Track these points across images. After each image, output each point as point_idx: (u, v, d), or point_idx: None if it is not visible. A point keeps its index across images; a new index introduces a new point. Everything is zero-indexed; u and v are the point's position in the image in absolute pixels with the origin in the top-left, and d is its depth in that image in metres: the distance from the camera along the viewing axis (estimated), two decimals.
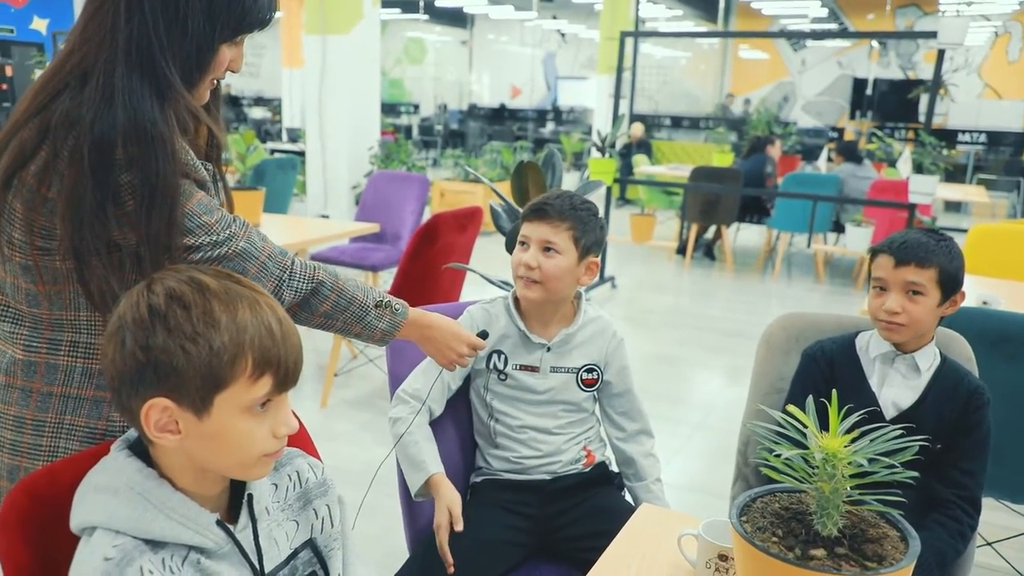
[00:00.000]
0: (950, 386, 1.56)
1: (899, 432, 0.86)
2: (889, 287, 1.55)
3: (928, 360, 1.57)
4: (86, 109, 1.02)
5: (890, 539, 0.87)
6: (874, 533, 0.88)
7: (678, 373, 4.30)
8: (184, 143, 1.12)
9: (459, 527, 1.51)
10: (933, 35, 4.66)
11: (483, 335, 1.47)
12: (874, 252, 1.60)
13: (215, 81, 1.18)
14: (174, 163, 1.06)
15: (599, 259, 1.69)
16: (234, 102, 16.20)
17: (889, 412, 1.57)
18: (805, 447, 0.88)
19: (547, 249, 1.61)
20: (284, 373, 0.94)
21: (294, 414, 1.03)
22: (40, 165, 1.03)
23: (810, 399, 0.94)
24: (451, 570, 1.48)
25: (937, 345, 1.60)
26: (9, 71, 13.20)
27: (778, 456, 0.89)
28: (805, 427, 0.89)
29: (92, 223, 1.03)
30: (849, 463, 0.85)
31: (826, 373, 1.63)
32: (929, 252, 1.53)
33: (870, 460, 0.85)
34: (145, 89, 1.05)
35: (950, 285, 1.54)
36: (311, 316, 1.25)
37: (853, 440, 0.87)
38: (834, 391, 0.95)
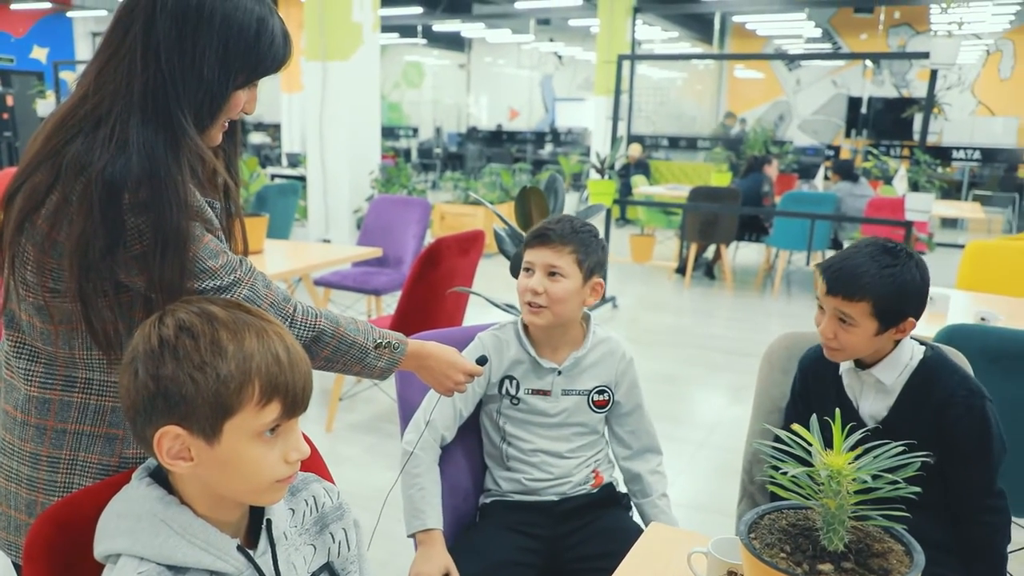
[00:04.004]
0: (923, 394, 1.47)
1: (901, 448, 0.89)
2: (825, 309, 1.47)
3: (894, 372, 1.48)
4: (98, 154, 1.02)
5: (895, 553, 0.89)
6: (879, 547, 0.90)
7: (680, 392, 4.32)
8: (194, 185, 1.12)
9: None
10: (926, 55, 4.72)
11: (481, 361, 1.48)
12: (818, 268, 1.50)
13: (226, 124, 1.19)
14: (186, 208, 1.07)
15: (603, 280, 1.72)
16: None
17: (869, 422, 1.52)
18: (810, 464, 0.91)
19: (552, 273, 1.64)
20: (292, 399, 0.96)
21: (307, 439, 1.05)
22: (51, 209, 1.04)
23: (813, 418, 0.96)
24: None
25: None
26: (10, 100, 13.26)
27: (784, 474, 0.91)
28: (810, 445, 0.92)
29: (99, 267, 1.04)
30: (853, 480, 0.87)
31: (809, 383, 1.60)
32: (861, 286, 1.39)
33: (873, 477, 0.87)
34: (159, 137, 1.06)
35: (889, 316, 1.42)
36: (312, 360, 1.25)
37: (857, 457, 0.90)
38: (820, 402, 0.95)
